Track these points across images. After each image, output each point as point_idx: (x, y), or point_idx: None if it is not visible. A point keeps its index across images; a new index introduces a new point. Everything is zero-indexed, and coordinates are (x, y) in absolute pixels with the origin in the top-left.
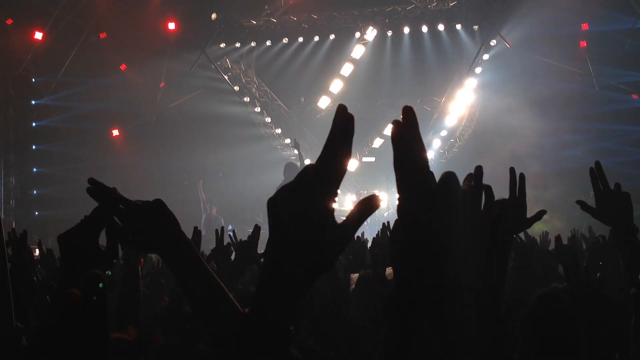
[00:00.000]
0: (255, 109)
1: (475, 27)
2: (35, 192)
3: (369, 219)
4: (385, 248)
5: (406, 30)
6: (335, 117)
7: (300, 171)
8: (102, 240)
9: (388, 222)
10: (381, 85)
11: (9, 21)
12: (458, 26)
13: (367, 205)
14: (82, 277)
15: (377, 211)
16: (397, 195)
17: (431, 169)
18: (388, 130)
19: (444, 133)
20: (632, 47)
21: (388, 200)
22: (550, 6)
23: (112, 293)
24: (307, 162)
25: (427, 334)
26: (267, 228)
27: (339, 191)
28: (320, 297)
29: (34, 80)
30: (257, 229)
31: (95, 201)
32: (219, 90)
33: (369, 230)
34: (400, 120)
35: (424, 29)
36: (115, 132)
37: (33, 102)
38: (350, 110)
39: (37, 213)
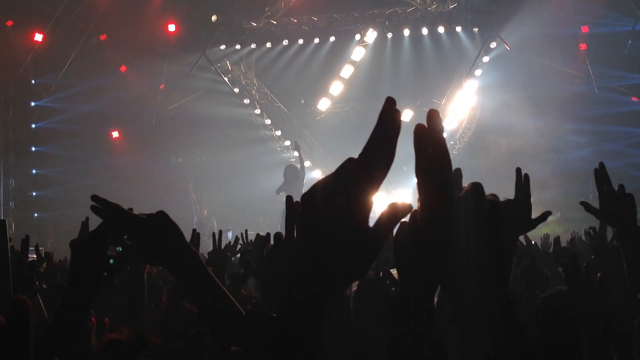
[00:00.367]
0: (255, 111)
1: (475, 30)
2: (34, 193)
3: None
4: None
5: (406, 32)
6: (381, 112)
7: (340, 166)
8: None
9: None
10: (381, 87)
11: (9, 23)
12: (458, 28)
13: (396, 212)
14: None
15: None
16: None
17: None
18: None
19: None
20: (633, 50)
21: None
22: (550, 8)
23: (115, 297)
24: (307, 164)
25: (431, 333)
26: (267, 229)
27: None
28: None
29: (33, 81)
30: (261, 239)
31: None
32: (219, 92)
33: None
34: (424, 123)
35: (424, 31)
36: (115, 134)
37: (32, 103)
38: (350, 112)
39: (36, 215)
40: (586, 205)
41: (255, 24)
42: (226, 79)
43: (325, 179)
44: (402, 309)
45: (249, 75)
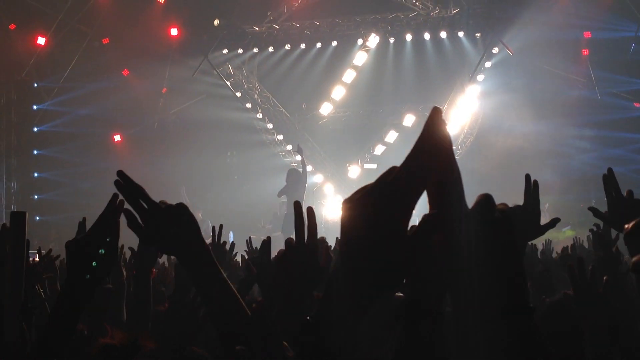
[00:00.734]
0: (257, 115)
1: (478, 35)
2: (36, 197)
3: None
4: None
5: (408, 37)
6: (427, 120)
7: (383, 173)
8: (123, 239)
9: None
10: (383, 92)
11: (12, 26)
12: (460, 33)
13: (431, 224)
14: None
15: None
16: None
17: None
18: (390, 137)
19: None
20: (636, 55)
21: None
22: (553, 13)
23: (115, 299)
24: (309, 168)
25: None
26: (267, 232)
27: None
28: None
29: (36, 85)
30: (265, 244)
31: (110, 199)
32: (221, 96)
33: None
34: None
35: (426, 36)
36: (117, 138)
37: (35, 106)
38: (352, 117)
39: (37, 218)
40: (594, 211)
41: (257, 29)
42: (228, 83)
43: (367, 186)
44: (409, 314)
45: (251, 79)
